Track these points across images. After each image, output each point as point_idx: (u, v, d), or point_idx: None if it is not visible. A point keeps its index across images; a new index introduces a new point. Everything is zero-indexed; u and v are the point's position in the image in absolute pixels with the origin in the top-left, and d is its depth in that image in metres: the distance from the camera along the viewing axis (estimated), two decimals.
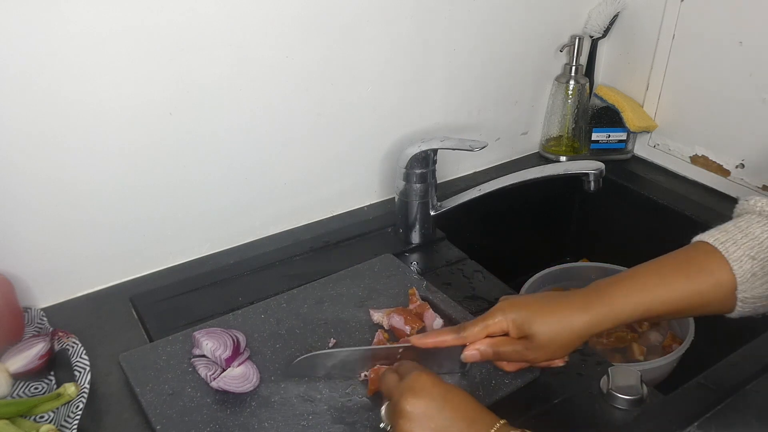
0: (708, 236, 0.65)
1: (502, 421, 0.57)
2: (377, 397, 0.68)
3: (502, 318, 0.66)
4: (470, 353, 0.67)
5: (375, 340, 0.76)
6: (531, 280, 1.02)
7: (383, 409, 0.60)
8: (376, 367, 0.70)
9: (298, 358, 0.70)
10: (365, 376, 0.71)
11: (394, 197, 0.99)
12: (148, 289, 0.87)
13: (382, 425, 0.60)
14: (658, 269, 0.65)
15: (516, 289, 0.90)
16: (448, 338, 0.67)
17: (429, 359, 0.69)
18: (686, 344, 0.89)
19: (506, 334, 0.66)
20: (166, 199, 0.88)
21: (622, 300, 0.64)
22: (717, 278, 0.63)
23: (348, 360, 0.70)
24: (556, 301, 0.66)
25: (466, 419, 0.56)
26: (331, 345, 0.76)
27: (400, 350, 0.69)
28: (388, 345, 0.73)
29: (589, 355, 0.77)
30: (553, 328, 0.64)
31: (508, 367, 0.70)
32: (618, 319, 0.64)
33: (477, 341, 0.67)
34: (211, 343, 0.72)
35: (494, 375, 0.72)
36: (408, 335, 0.75)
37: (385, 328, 0.78)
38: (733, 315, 0.65)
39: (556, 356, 0.67)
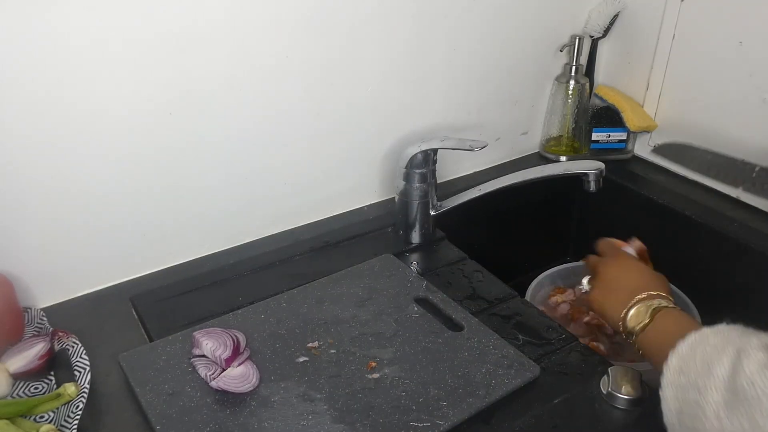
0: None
1: (654, 291, 0.71)
2: None
3: None
4: None
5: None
6: (536, 280, 1.02)
7: (586, 278, 0.81)
8: None
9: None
10: None
11: (394, 197, 0.99)
12: (148, 289, 0.87)
13: (584, 289, 0.81)
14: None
15: (517, 288, 0.90)
16: None
17: None
18: None
19: None
20: (166, 199, 0.88)
21: None
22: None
23: None
24: None
25: (633, 283, 0.73)
26: (329, 344, 0.77)
27: None
28: None
29: (589, 355, 0.77)
30: None
31: None
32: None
33: None
34: (210, 343, 0.72)
35: (494, 375, 0.72)
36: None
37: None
38: None
39: None
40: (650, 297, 0.71)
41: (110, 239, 0.86)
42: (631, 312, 0.70)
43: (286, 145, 0.95)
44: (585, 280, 0.82)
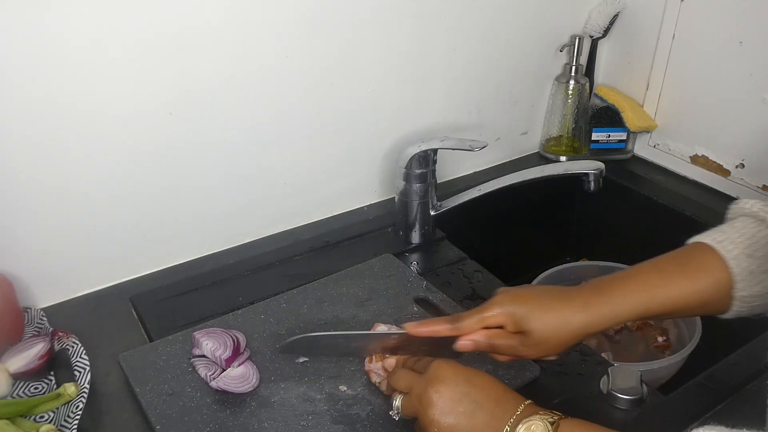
0: (705, 237, 0.65)
1: (527, 402, 0.58)
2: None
3: (499, 311, 0.65)
4: (464, 343, 0.66)
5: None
6: (536, 280, 1.02)
7: (398, 399, 0.62)
8: (374, 357, 0.71)
9: (292, 338, 0.69)
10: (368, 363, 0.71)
11: (394, 197, 0.99)
12: (148, 289, 0.87)
13: (392, 413, 0.63)
14: (658, 268, 0.66)
15: None
16: (442, 328, 0.67)
17: (423, 348, 0.68)
18: (692, 345, 0.88)
19: (501, 327, 0.66)
20: (166, 199, 0.88)
21: (621, 299, 0.64)
22: (715, 276, 0.63)
23: (343, 344, 0.71)
24: (556, 299, 0.65)
25: (492, 400, 0.58)
26: None
27: (394, 337, 0.69)
28: (382, 332, 0.72)
29: (589, 355, 0.77)
30: (550, 326, 0.63)
31: (501, 358, 0.69)
32: (617, 318, 0.64)
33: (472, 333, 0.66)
34: (211, 343, 0.72)
35: (494, 375, 0.71)
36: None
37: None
38: (729, 315, 0.65)
39: (550, 353, 0.66)
40: (530, 410, 0.57)
41: (110, 239, 0.86)
42: None
43: (286, 145, 0.95)
44: (397, 402, 0.63)
